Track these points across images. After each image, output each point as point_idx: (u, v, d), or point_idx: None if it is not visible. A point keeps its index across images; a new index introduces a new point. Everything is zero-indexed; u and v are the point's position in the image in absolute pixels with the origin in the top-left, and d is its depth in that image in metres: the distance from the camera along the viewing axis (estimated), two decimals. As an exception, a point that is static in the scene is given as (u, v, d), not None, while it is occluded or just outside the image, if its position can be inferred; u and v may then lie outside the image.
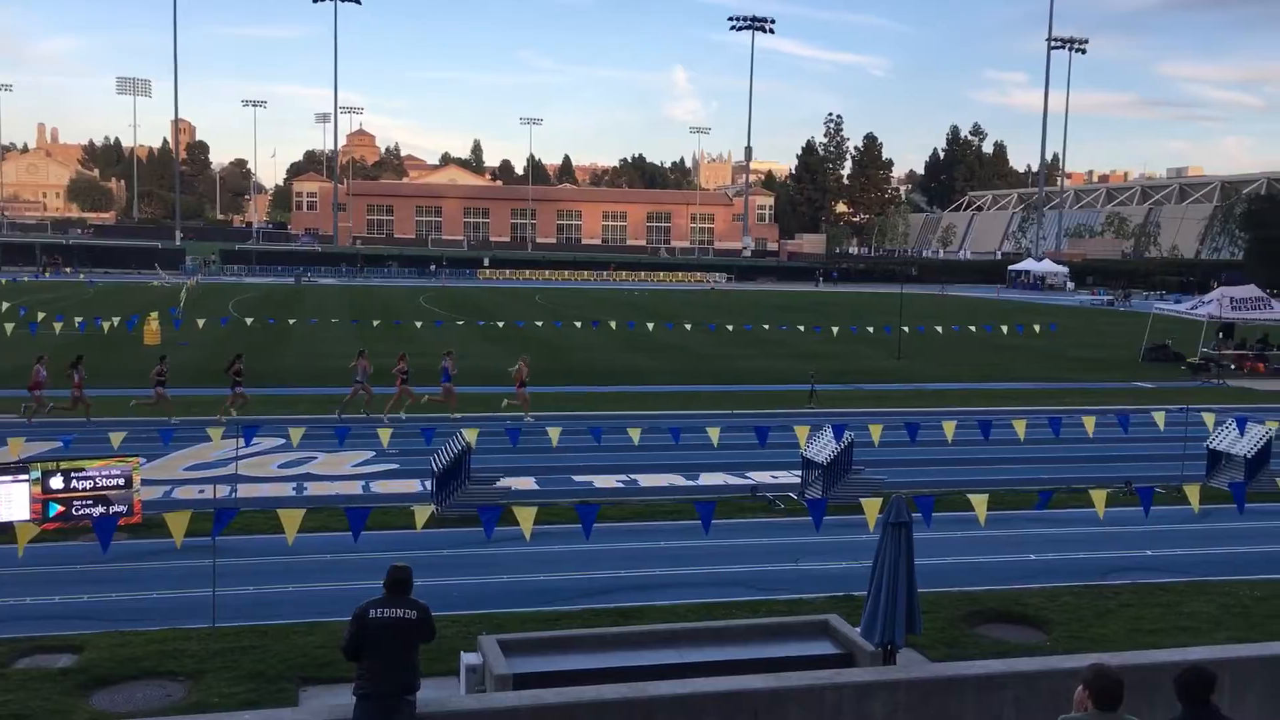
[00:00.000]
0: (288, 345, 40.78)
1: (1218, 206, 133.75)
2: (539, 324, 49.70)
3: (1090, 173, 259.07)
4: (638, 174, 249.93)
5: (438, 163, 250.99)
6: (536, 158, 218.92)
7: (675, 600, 13.79)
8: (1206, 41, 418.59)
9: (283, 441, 21.60)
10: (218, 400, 26.02)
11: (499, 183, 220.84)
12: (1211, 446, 21.01)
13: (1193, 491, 15.15)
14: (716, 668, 9.60)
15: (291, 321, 47.68)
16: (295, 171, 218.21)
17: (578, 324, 47.37)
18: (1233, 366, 40.08)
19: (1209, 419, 21.56)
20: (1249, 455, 20.00)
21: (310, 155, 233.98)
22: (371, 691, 7.62)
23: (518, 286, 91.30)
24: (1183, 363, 40.77)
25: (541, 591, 14.22)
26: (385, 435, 19.69)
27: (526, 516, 12.52)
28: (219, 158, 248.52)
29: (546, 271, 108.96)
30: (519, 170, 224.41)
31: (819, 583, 14.63)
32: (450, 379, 26.78)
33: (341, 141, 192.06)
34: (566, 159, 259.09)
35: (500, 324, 47.55)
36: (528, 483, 20.00)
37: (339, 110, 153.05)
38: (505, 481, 19.18)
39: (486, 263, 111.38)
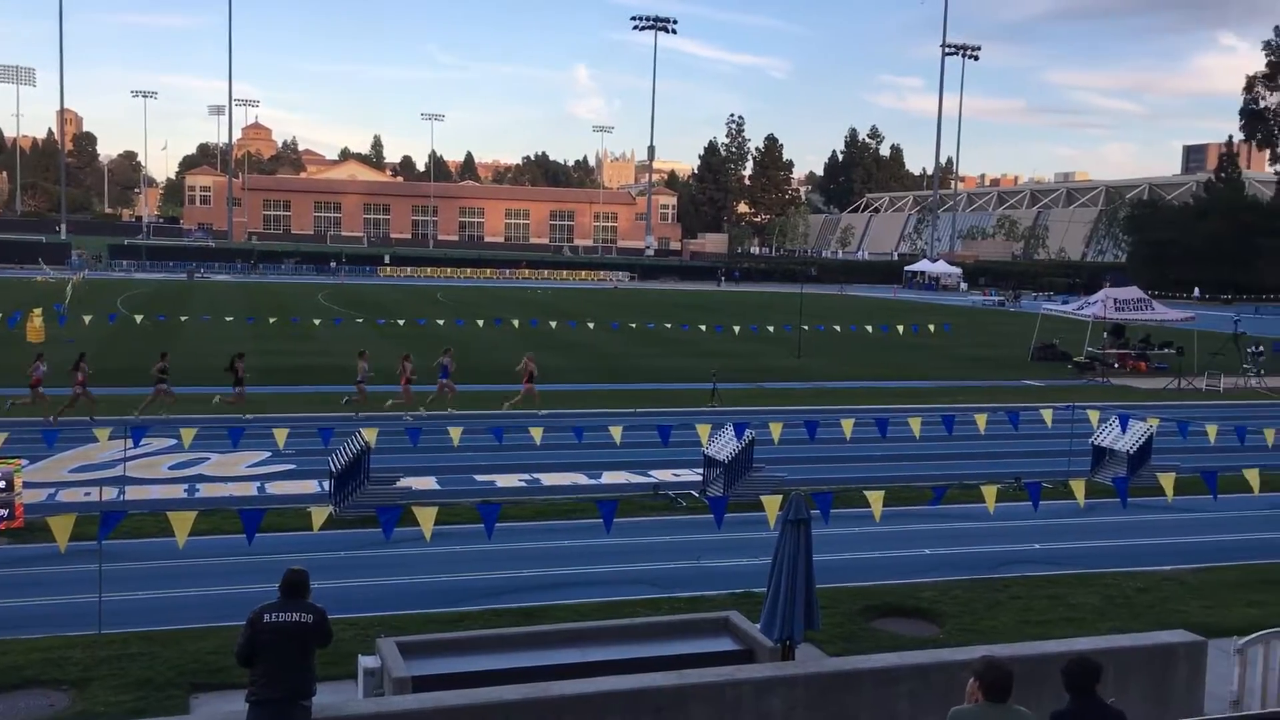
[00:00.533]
0: (179, 343, 39.67)
1: (1103, 210, 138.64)
2: (440, 322, 49.19)
3: (982, 176, 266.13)
4: (541, 172, 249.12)
5: (337, 158, 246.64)
6: (438, 154, 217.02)
7: (578, 599, 13.78)
8: (1091, 51, 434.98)
9: (174, 442, 21.02)
10: (104, 399, 25.25)
11: (400, 179, 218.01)
12: (1096, 443, 21.72)
13: (1078, 486, 15.65)
14: (619, 666, 9.62)
15: (183, 318, 46.43)
16: (188, 165, 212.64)
17: (480, 322, 47.00)
18: (1116, 365, 41.52)
19: (1094, 416, 22.29)
20: (1131, 451, 20.73)
21: (204, 148, 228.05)
22: (265, 697, 7.47)
23: (419, 284, 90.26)
24: (1069, 362, 42.10)
25: (443, 592, 14.08)
26: (281, 435, 19.29)
27: (427, 517, 12.38)
28: (107, 149, 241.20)
29: (448, 269, 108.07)
30: (420, 167, 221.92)
31: (720, 580, 14.75)
32: (449, 376, 27.29)
33: (236, 134, 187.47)
34: (469, 156, 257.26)
35: (401, 322, 46.92)
36: (428, 482, 19.79)
37: (234, 102, 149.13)
38: (405, 481, 18.97)
39: (387, 260, 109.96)
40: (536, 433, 19.74)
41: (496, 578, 14.70)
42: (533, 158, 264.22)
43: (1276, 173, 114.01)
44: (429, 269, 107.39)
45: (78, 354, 25.49)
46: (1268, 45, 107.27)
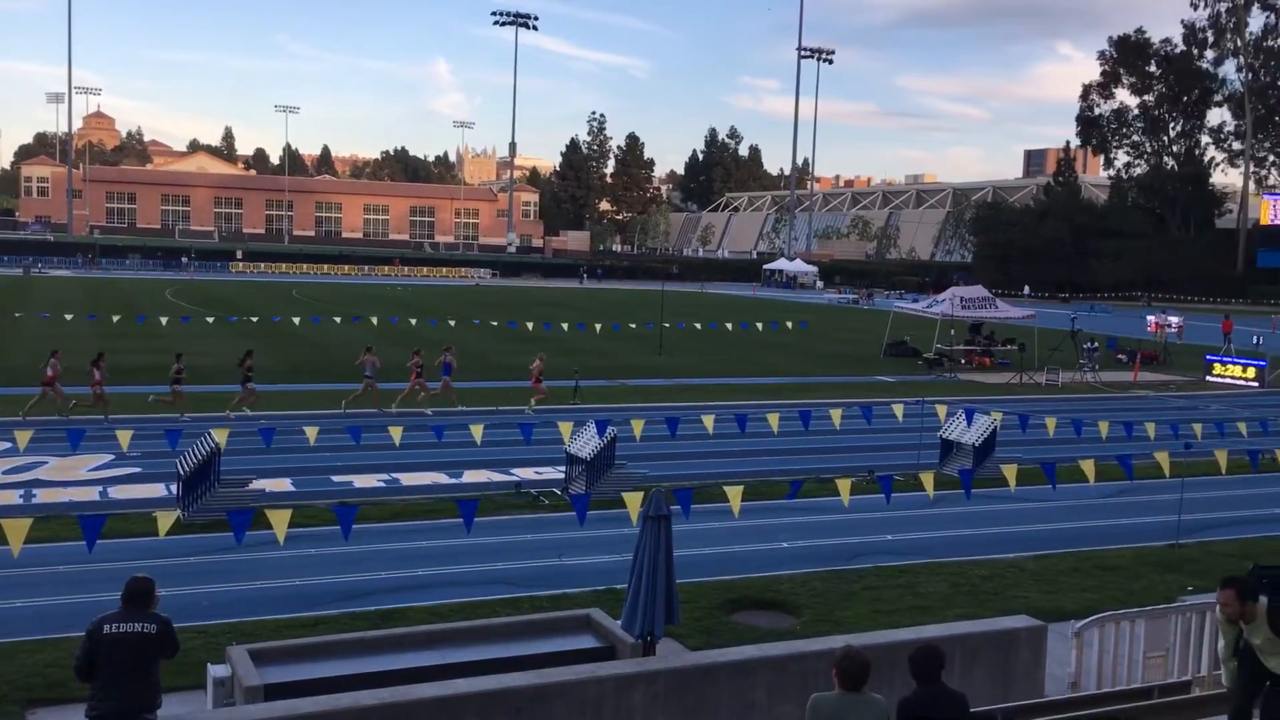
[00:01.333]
0: (16, 341, 37.71)
1: (950, 212, 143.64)
2: (296, 320, 47.92)
3: (837, 177, 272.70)
4: (400, 167, 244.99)
5: (185, 149, 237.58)
6: (293, 147, 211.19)
7: (438, 600, 13.61)
8: (938, 58, 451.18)
9: (9, 446, 19.97)
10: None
11: (253, 172, 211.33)
12: (944, 436, 22.50)
13: (927, 478, 16.15)
14: (479, 667, 9.53)
15: (18, 315, 44.14)
16: (24, 154, 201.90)
17: (337, 319, 45.95)
18: (963, 361, 43.13)
19: (941, 410, 23.07)
20: (976, 444, 21.55)
21: (41, 137, 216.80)
22: (106, 712, 7.18)
23: (274, 280, 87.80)
24: (919, 358, 43.52)
25: (298, 597, 13.73)
26: (125, 437, 18.49)
27: (280, 519, 12.01)
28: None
29: (304, 265, 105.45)
30: (275, 160, 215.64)
31: (583, 577, 14.76)
32: (450, 373, 27.77)
33: (77, 124, 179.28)
34: (325, 150, 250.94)
35: (254, 319, 45.57)
36: (283, 484, 19.27)
37: (74, 90, 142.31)
38: (258, 483, 18.44)
39: (240, 255, 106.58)
40: (396, 432, 19.40)
41: (354, 580, 14.41)
42: (392, 153, 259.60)
43: (1110, 177, 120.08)
44: (284, 265, 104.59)
45: (97, 353, 25.56)
46: (1102, 55, 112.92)
